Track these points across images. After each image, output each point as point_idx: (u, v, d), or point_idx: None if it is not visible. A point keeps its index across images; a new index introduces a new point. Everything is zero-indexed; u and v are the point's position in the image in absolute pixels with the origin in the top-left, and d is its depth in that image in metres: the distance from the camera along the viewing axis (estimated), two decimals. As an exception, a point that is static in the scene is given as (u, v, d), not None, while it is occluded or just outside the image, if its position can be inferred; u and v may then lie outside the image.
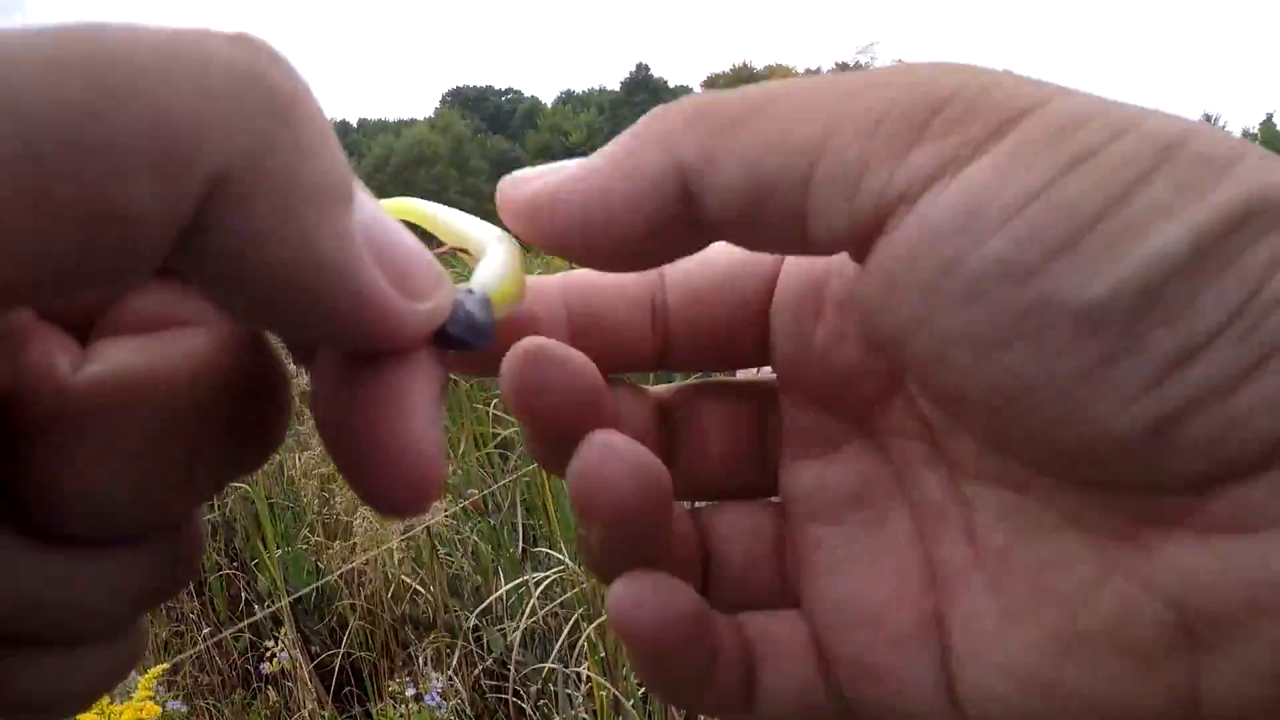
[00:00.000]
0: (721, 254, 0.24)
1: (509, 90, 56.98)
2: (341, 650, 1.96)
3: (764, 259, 0.24)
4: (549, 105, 54.09)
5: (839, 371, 0.23)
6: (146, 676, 0.96)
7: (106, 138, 0.12)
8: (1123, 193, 0.16)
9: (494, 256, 0.20)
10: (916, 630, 0.21)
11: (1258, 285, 0.15)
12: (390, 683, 1.70)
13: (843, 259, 0.19)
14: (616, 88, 54.17)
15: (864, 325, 0.19)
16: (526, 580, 1.95)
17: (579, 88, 57.63)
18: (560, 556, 2.05)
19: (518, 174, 0.21)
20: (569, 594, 2.01)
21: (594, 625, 1.66)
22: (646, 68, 53.47)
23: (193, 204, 0.13)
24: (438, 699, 1.37)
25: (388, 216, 0.16)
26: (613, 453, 0.20)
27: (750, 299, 0.24)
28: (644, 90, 51.64)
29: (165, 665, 1.17)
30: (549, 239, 0.20)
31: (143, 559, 0.17)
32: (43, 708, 0.17)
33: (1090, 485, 0.18)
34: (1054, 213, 0.16)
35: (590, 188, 0.19)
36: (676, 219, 0.19)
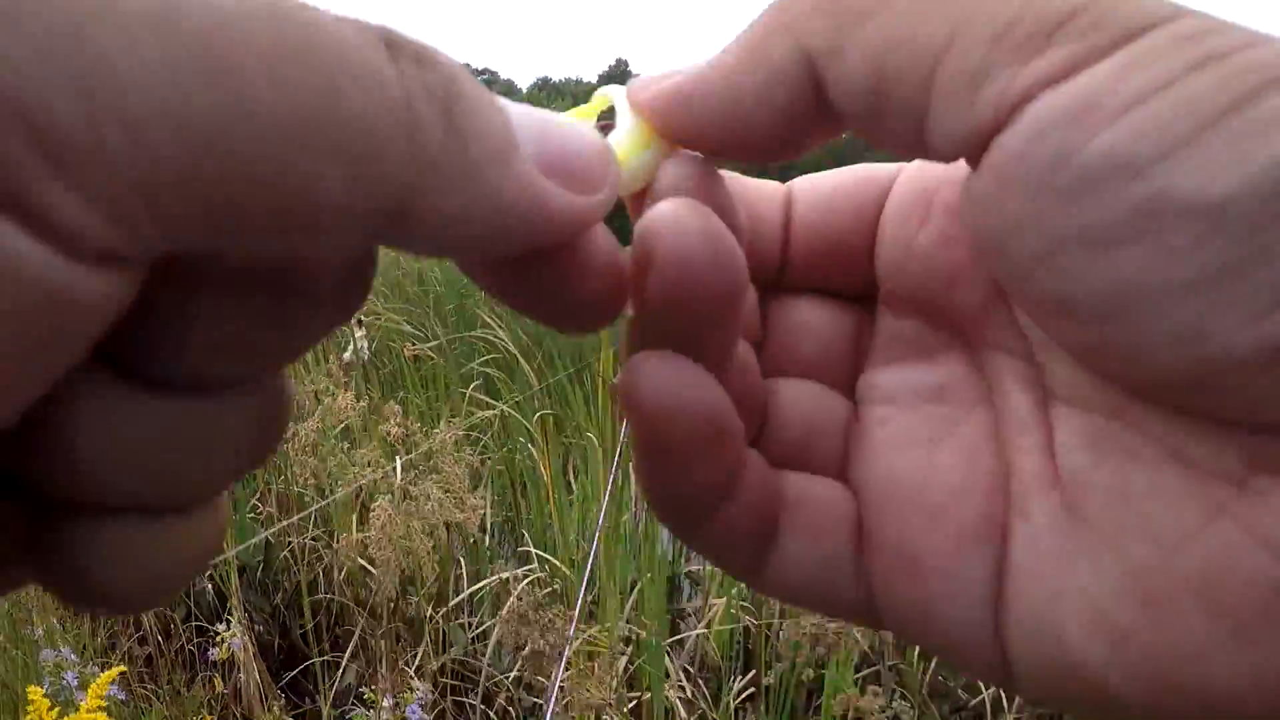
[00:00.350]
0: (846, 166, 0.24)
1: (485, 70, 56.84)
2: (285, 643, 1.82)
3: (883, 172, 0.23)
4: (524, 91, 54.07)
5: (940, 276, 0.22)
6: (100, 681, 0.81)
7: (316, 140, 0.13)
8: (1253, 93, 0.14)
9: (618, 128, 0.21)
10: (977, 530, 0.20)
11: None
12: (360, 682, 1.56)
13: (957, 168, 0.19)
14: (594, 80, 54.29)
15: (973, 228, 0.18)
16: (502, 575, 1.81)
17: (556, 76, 57.74)
18: (541, 554, 1.95)
19: (643, 77, 0.21)
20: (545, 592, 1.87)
21: (585, 635, 1.55)
22: (625, 63, 53.64)
23: (381, 207, 0.14)
24: (419, 712, 1.22)
25: (548, 122, 0.17)
26: (693, 211, 0.18)
27: (865, 207, 0.23)
28: (620, 84, 51.95)
29: (121, 668, 1.02)
30: (685, 134, 0.20)
31: (241, 411, 0.16)
32: (127, 590, 0.16)
33: (1198, 418, 0.17)
34: (1175, 107, 0.15)
35: (721, 81, 0.19)
36: (807, 107, 0.19)
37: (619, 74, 53.24)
